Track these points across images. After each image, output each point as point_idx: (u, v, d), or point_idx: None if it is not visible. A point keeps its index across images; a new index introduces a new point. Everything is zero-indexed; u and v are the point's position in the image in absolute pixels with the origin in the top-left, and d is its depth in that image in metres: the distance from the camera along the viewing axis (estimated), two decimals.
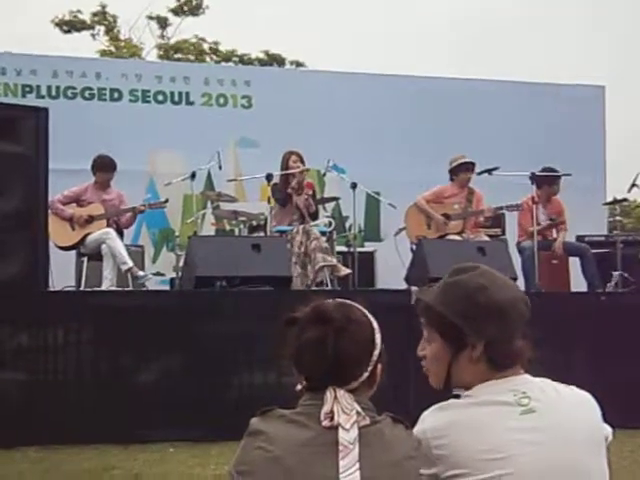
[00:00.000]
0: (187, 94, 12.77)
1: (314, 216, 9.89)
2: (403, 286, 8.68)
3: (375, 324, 2.37)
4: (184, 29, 32.18)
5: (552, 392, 2.46)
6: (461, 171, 10.01)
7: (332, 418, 2.22)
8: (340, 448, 2.19)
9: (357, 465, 2.17)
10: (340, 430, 2.21)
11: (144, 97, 12.65)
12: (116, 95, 12.53)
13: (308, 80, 13.85)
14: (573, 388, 2.53)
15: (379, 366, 2.36)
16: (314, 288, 8.78)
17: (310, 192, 9.76)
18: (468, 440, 2.35)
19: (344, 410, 2.23)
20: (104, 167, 9.77)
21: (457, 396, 2.48)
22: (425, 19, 49.66)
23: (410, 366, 7.18)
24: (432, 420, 2.42)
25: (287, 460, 2.20)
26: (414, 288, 8.09)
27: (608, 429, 2.53)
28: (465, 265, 2.55)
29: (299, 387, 2.35)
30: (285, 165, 9.75)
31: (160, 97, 12.71)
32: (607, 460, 2.48)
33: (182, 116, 12.59)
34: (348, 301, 2.40)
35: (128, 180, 10.56)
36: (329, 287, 8.98)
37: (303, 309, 2.37)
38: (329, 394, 2.26)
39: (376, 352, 2.34)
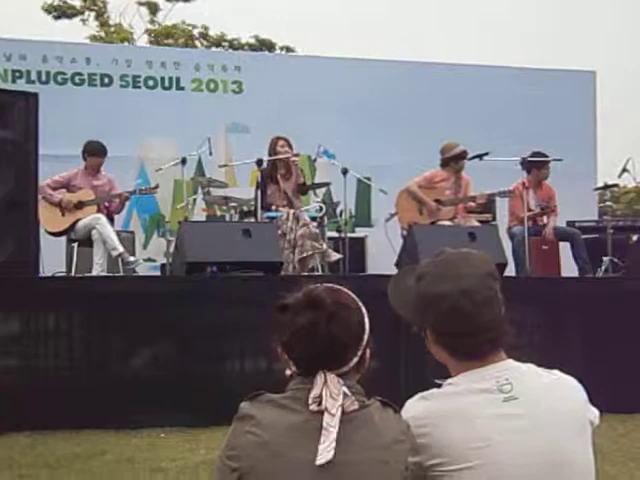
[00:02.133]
0: (177, 79, 12.75)
1: (303, 188, 9.93)
2: (394, 271, 8.66)
3: (364, 309, 2.38)
4: (174, 14, 32.13)
5: (535, 378, 2.46)
6: (460, 159, 10.00)
7: (320, 402, 2.23)
8: (323, 432, 2.20)
9: (333, 444, 2.17)
10: (326, 414, 2.21)
11: (134, 82, 12.62)
12: (106, 80, 12.50)
13: (298, 65, 13.82)
14: (557, 373, 2.52)
15: (368, 350, 2.37)
16: (305, 274, 8.78)
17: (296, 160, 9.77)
18: (449, 429, 2.35)
19: (332, 395, 2.24)
20: (95, 152, 9.75)
21: (440, 386, 2.49)
22: (416, 3, 49.55)
23: (400, 351, 7.24)
24: (414, 409, 2.42)
25: (275, 445, 2.20)
26: None
27: (595, 412, 2.53)
28: (439, 250, 2.56)
29: (288, 372, 2.35)
30: (273, 150, 9.75)
31: (150, 82, 12.68)
32: (592, 444, 2.47)
33: (173, 101, 12.58)
34: (337, 286, 2.41)
35: (118, 166, 10.56)
36: (320, 272, 8.99)
37: (294, 295, 2.37)
38: (319, 378, 2.26)
39: (365, 336, 2.35)
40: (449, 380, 2.47)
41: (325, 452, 2.17)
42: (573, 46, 47.48)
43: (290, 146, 9.77)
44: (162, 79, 12.72)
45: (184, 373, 7.24)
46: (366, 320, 2.37)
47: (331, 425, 2.20)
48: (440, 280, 2.45)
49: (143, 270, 10.20)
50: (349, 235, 10.16)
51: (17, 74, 12.11)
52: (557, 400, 2.43)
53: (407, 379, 7.25)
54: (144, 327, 7.27)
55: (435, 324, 2.46)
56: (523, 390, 2.40)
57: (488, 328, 2.42)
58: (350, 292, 2.41)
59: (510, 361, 2.48)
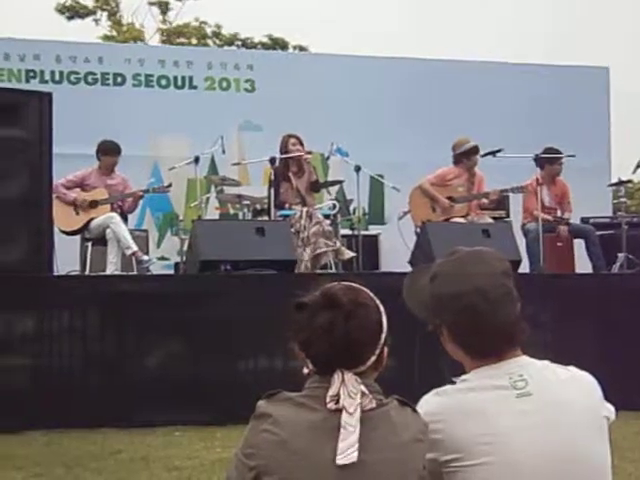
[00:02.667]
0: (190, 78, 12.73)
1: (316, 186, 9.92)
2: (407, 269, 8.66)
3: (381, 307, 2.37)
4: (185, 13, 32.13)
5: (550, 374, 2.45)
6: (471, 155, 9.98)
7: (338, 401, 2.22)
8: (341, 431, 2.19)
9: (355, 446, 2.17)
10: (344, 413, 2.21)
11: (147, 82, 12.62)
12: (119, 80, 12.50)
13: (311, 63, 13.81)
14: (573, 369, 2.51)
15: (385, 349, 2.36)
16: (318, 271, 8.78)
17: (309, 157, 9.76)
18: (462, 425, 2.34)
19: (350, 394, 2.23)
20: (109, 151, 9.78)
21: (455, 383, 2.49)
22: (430, 0, 49.49)
23: (414, 349, 7.23)
24: (428, 405, 2.42)
25: (293, 443, 2.20)
26: None
27: (610, 409, 2.51)
28: (453, 249, 2.56)
29: (306, 370, 2.34)
30: (284, 148, 9.74)
31: (163, 82, 12.68)
32: (609, 441, 2.46)
33: (185, 100, 12.56)
34: (355, 284, 2.40)
35: (132, 165, 10.57)
36: (333, 270, 8.98)
37: (311, 293, 2.36)
38: (336, 377, 2.26)
39: (383, 335, 2.34)
40: (463, 376, 2.47)
41: (348, 453, 2.17)
42: (587, 42, 47.28)
43: (302, 144, 9.76)
44: (175, 78, 12.71)
45: (199, 371, 7.25)
46: (384, 319, 2.35)
47: (350, 425, 2.19)
48: (454, 279, 2.45)
49: (157, 269, 10.21)
50: (362, 233, 10.18)
51: (31, 74, 12.12)
52: (573, 396, 2.41)
53: (421, 377, 7.24)
54: (158, 326, 7.28)
55: (450, 323, 2.46)
56: (538, 386, 2.39)
57: (503, 326, 2.42)
58: (368, 291, 2.39)
59: (525, 357, 2.47)
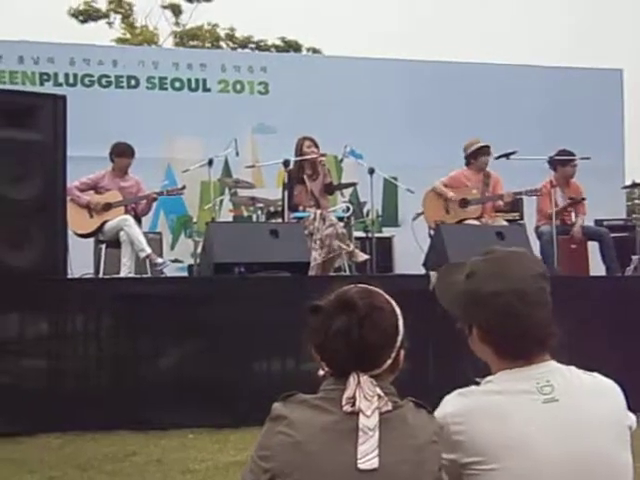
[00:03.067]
0: (204, 81, 12.78)
1: (330, 188, 9.91)
2: (421, 272, 8.65)
3: (398, 310, 2.37)
4: (198, 16, 32.17)
5: (576, 380, 2.43)
6: (479, 155, 9.97)
7: (354, 404, 2.22)
8: (360, 434, 2.19)
9: (376, 451, 2.17)
10: (361, 416, 2.20)
11: (161, 84, 12.67)
12: (133, 82, 12.56)
13: (324, 66, 13.82)
14: (598, 376, 2.50)
15: (402, 352, 2.36)
16: (332, 274, 8.77)
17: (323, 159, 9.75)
18: (486, 428, 2.33)
19: (366, 396, 2.23)
20: (122, 153, 9.79)
21: (479, 384, 2.47)
22: (441, 3, 49.39)
23: (429, 351, 7.21)
24: (452, 405, 2.41)
25: (308, 445, 2.20)
26: (432, 273, 8.06)
27: (632, 417, 2.50)
28: (489, 248, 2.55)
29: (321, 372, 2.34)
30: (299, 151, 9.74)
31: (177, 84, 12.72)
32: (631, 449, 2.45)
33: (199, 103, 12.62)
34: (371, 287, 2.40)
35: (146, 167, 10.58)
36: (347, 273, 8.97)
37: (326, 296, 2.37)
38: (352, 379, 2.26)
39: (399, 338, 2.34)
40: (489, 378, 2.45)
41: (369, 458, 2.17)
42: (602, 44, 47.19)
43: (317, 146, 9.75)
44: (189, 80, 12.76)
45: (213, 374, 7.23)
46: (400, 322, 2.36)
47: (369, 428, 2.19)
48: (492, 278, 2.44)
49: (171, 271, 10.21)
50: (376, 235, 10.17)
51: (45, 77, 12.17)
52: (597, 403, 2.40)
53: (436, 379, 7.22)
54: (172, 328, 7.27)
55: (484, 322, 2.45)
56: (564, 393, 2.38)
57: (536, 329, 2.42)
58: (384, 293, 2.39)
59: (553, 362, 2.46)
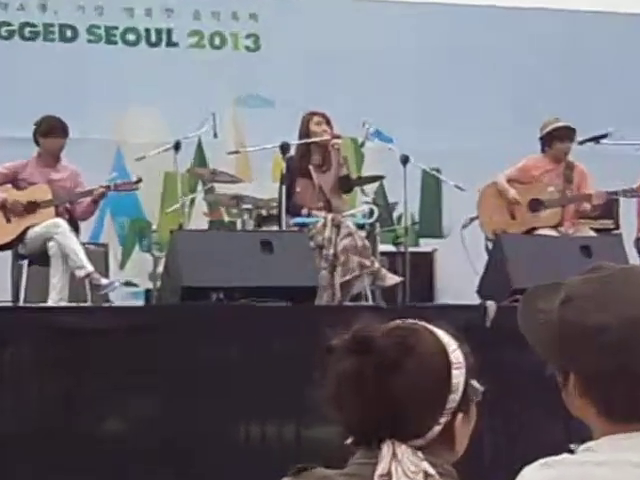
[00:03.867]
0: (169, 32, 12.79)
1: (347, 184, 9.91)
2: (475, 301, 8.64)
3: (454, 357, 2.29)
4: None
5: None
6: (556, 139, 9.93)
7: None
8: None
9: None
10: None
11: (108, 37, 12.67)
12: (69, 34, 12.57)
13: (338, 11, 13.70)
14: None
15: (459, 416, 2.30)
16: (348, 303, 8.76)
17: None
18: None
19: (406, 472, 2.19)
20: (50, 132, 9.74)
21: (573, 452, 2.41)
22: None
23: (484, 408, 7.14)
24: (532, 478, 2.34)
25: None
26: (490, 303, 8.02)
27: None
28: (595, 264, 2.48)
29: (349, 441, 2.30)
30: (305, 130, 9.78)
31: (131, 36, 12.75)
32: None
33: (162, 63, 12.66)
34: (416, 322, 2.35)
35: (85, 152, 10.62)
36: (369, 302, 8.96)
37: (343, 333, 2.32)
38: (386, 449, 2.22)
39: (453, 397, 2.28)
40: (589, 444, 2.38)
41: None
42: None
43: (329, 124, 9.77)
44: (147, 32, 12.78)
45: (179, 437, 7.29)
46: (455, 373, 2.28)
47: None
48: (598, 306, 2.37)
49: (120, 297, 10.22)
50: (411, 249, 10.20)
51: None
52: None
53: (493, 459, 7.17)
54: (122, 375, 7.31)
55: (586, 366, 2.38)
56: None
57: None
58: (439, 331, 2.32)
59: None
